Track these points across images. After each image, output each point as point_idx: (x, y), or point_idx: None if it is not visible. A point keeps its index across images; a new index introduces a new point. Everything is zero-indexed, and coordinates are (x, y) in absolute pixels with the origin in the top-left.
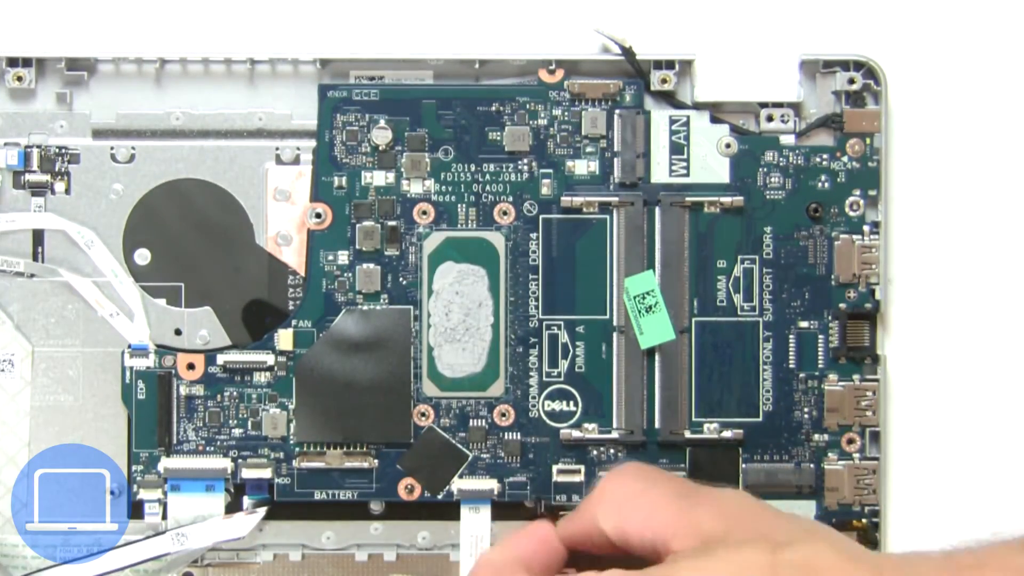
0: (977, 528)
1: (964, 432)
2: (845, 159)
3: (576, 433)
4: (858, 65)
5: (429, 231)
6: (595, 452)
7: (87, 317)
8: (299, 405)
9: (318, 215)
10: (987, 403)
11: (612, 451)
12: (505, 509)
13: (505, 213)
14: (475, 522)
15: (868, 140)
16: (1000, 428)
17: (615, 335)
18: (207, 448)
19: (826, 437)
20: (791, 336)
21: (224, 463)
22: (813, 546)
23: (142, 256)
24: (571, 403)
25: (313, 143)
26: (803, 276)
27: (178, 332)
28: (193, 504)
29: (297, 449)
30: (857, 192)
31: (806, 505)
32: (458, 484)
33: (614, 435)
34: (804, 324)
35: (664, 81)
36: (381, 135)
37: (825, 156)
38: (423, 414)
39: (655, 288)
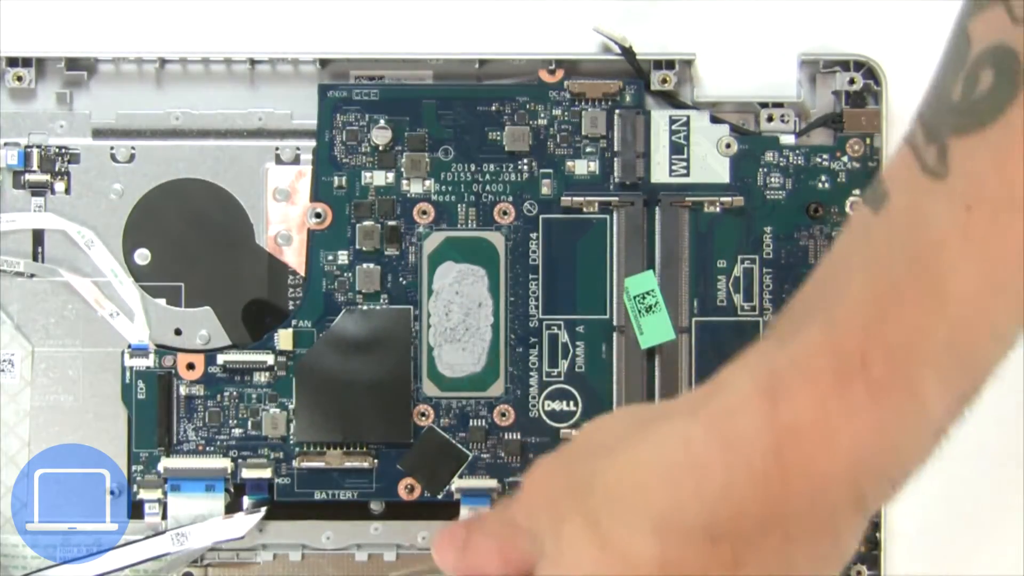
0: (977, 529)
1: (964, 431)
2: (845, 159)
3: (576, 433)
4: (858, 65)
5: (429, 231)
6: None
7: (87, 317)
8: (299, 405)
9: (318, 215)
10: (987, 402)
11: None
12: None
13: (505, 213)
14: None
15: (868, 140)
16: (1000, 427)
17: (615, 335)
18: (207, 448)
19: None
20: None
21: (224, 463)
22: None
23: (142, 256)
24: (571, 403)
25: (313, 143)
26: (803, 276)
27: (178, 332)
28: (193, 504)
29: (297, 449)
30: (857, 192)
31: None
32: (458, 484)
33: None
34: None
35: (664, 81)
36: (381, 135)
37: (825, 156)
38: (423, 414)
39: (655, 288)
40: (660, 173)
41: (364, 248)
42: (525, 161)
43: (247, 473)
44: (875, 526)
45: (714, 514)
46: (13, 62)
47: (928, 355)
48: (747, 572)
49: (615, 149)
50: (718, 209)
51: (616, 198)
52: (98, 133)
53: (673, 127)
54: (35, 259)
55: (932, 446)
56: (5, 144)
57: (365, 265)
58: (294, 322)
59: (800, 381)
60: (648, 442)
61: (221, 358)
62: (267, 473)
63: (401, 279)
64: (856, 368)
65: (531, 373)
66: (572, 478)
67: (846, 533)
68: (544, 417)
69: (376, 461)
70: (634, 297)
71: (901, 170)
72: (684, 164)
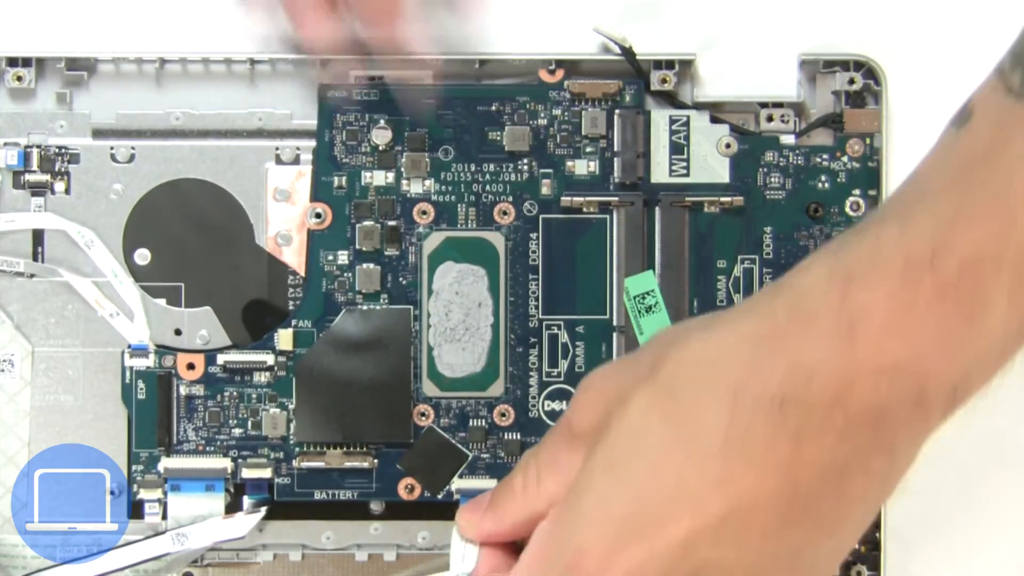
0: (978, 530)
1: (964, 430)
2: (845, 159)
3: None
4: (858, 65)
5: (429, 231)
6: None
7: (87, 317)
8: (299, 405)
9: (318, 215)
10: (987, 401)
11: None
12: None
13: (505, 213)
14: None
15: (868, 140)
16: (1001, 426)
17: (615, 335)
18: (207, 448)
19: None
20: None
21: (224, 463)
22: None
23: (142, 256)
24: None
25: (313, 143)
26: None
27: (178, 332)
28: (193, 504)
29: (297, 449)
30: (857, 192)
31: None
32: (458, 484)
33: None
34: None
35: (664, 81)
36: (381, 135)
37: (825, 156)
38: (423, 414)
39: (655, 288)
40: (660, 173)
41: (364, 248)
42: (525, 161)
43: (247, 473)
44: (875, 526)
45: (784, 380)
46: (13, 62)
47: (995, 266)
48: (805, 457)
49: (615, 149)
50: (718, 209)
51: (616, 198)
52: (98, 133)
53: (673, 127)
54: (35, 259)
55: (995, 365)
56: (5, 144)
57: (365, 265)
58: (294, 322)
59: (872, 270)
60: (722, 322)
61: (221, 358)
62: (267, 473)
63: (401, 279)
64: (925, 266)
65: (531, 373)
66: (639, 366)
67: (903, 439)
68: (544, 417)
69: (376, 461)
70: (634, 297)
71: (987, 92)
72: (684, 164)
